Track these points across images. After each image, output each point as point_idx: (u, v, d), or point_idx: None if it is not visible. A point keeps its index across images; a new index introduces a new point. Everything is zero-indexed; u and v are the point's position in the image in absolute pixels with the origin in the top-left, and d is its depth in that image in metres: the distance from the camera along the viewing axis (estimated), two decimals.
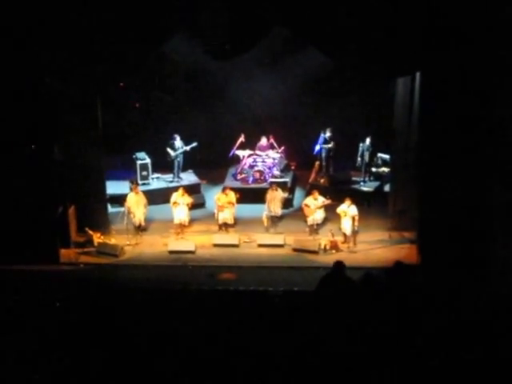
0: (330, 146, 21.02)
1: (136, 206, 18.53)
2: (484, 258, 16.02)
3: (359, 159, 20.78)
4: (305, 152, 21.85)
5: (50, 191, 17.33)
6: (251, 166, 21.37)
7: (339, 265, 10.19)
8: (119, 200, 19.44)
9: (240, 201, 19.37)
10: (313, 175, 21.58)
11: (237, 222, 19.41)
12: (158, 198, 20.27)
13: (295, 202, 20.93)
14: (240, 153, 21.73)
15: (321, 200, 18.51)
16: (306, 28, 16.09)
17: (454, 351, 7.65)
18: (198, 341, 8.21)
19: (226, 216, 19.01)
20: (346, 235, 18.13)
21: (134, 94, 21.96)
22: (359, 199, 19.42)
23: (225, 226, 19.14)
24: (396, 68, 16.57)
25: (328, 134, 20.90)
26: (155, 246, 18.47)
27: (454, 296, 10.88)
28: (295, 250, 18.03)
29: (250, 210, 19.88)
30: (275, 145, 21.87)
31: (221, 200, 19.00)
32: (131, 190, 19.12)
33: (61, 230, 17.76)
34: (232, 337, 8.37)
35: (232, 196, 19.06)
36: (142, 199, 18.75)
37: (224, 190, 19.44)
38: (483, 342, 7.89)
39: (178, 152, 21.05)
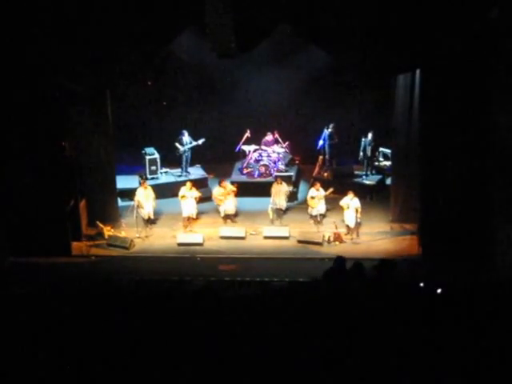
0: (333, 141, 21.25)
1: (145, 199, 18.71)
2: (484, 249, 16.17)
3: (361, 153, 20.94)
4: (309, 147, 22.06)
5: (61, 186, 17.45)
6: (257, 161, 21.62)
7: (341, 260, 10.57)
8: (129, 194, 19.65)
9: (242, 194, 19.63)
10: (316, 169, 21.77)
11: (242, 214, 19.60)
12: (167, 191, 20.51)
13: (299, 196, 21.16)
14: (246, 148, 21.97)
15: (322, 191, 18.70)
16: (307, 27, 16.20)
17: (456, 342, 7.63)
18: (205, 332, 8.13)
19: (227, 207, 19.20)
20: (349, 227, 18.28)
21: (144, 91, 22.08)
22: (362, 192, 19.71)
23: (228, 218, 19.33)
24: (396, 65, 16.68)
25: (331, 130, 21.14)
26: (164, 238, 18.64)
27: (454, 286, 11.05)
28: (300, 241, 18.17)
29: (255, 203, 20.12)
30: (280, 140, 22.12)
31: (219, 194, 19.25)
32: (140, 184, 19.34)
33: (72, 223, 17.91)
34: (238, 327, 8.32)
35: (229, 186, 19.31)
36: (151, 193, 18.92)
37: (220, 183, 19.62)
38: (485, 333, 7.81)
39: (187, 147, 21.28)
